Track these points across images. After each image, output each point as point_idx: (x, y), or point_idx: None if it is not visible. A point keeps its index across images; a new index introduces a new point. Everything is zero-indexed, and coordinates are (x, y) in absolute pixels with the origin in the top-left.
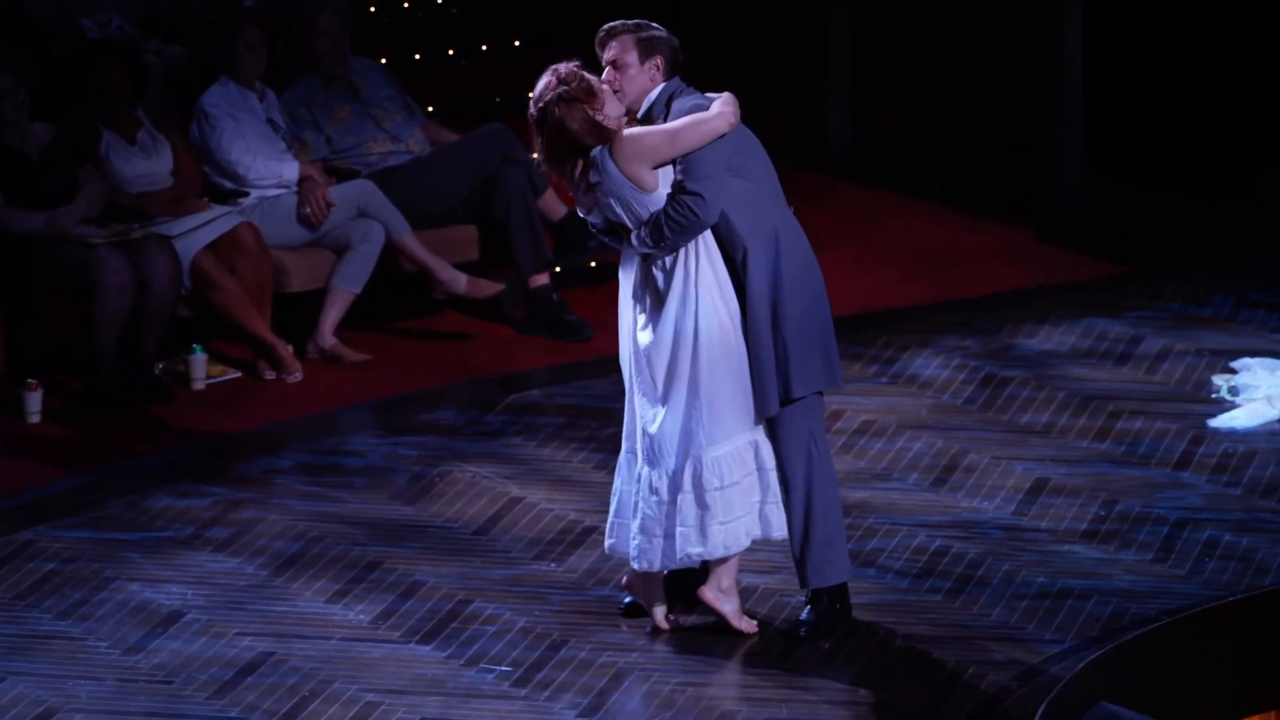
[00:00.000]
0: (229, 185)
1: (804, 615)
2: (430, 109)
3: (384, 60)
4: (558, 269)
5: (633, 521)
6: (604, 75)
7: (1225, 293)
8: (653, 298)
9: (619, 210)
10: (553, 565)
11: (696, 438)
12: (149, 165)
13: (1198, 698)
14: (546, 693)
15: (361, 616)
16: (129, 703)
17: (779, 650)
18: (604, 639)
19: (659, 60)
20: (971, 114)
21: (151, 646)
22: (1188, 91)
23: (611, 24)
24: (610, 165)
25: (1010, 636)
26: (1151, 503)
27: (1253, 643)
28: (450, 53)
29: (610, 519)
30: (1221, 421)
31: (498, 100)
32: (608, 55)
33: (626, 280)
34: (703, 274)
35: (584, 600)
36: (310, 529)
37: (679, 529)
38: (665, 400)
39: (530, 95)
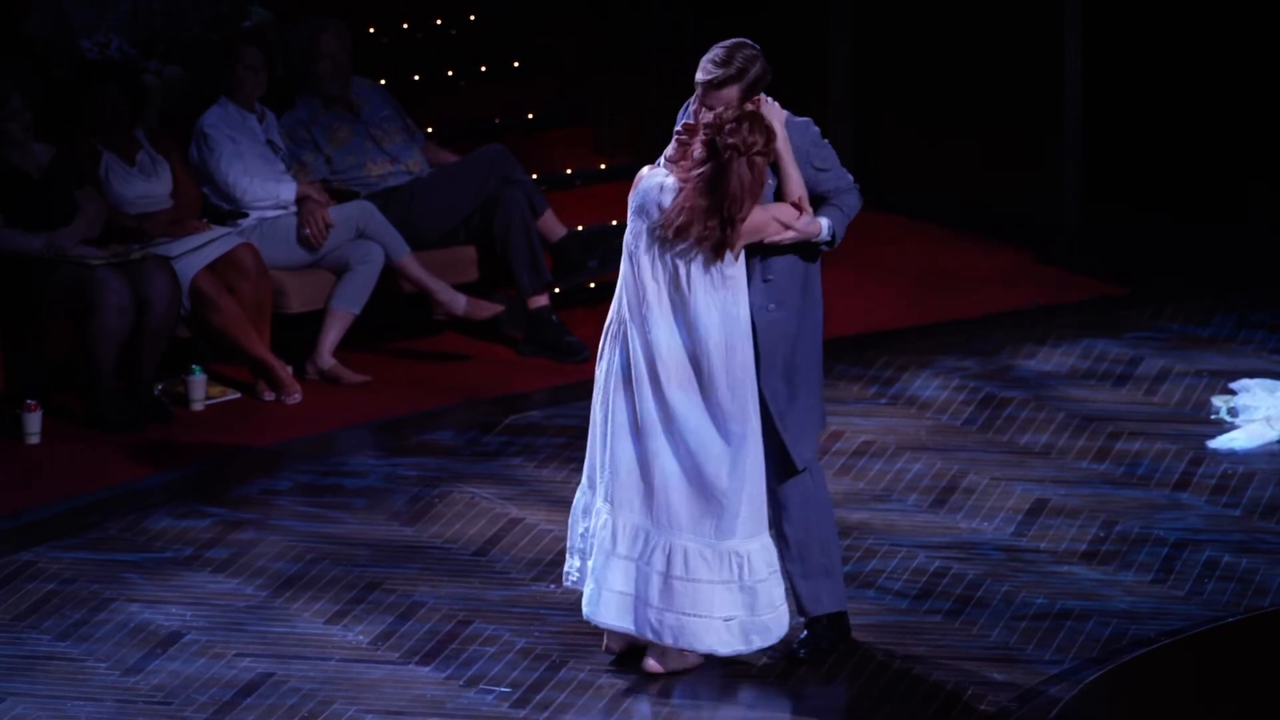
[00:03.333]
0: (227, 206)
1: (803, 635)
2: (429, 130)
3: (383, 81)
4: (557, 290)
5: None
6: (699, 110)
7: (1225, 313)
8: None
9: (724, 263)
10: (552, 586)
11: (764, 518)
12: (148, 186)
13: (1197, 719)
14: (546, 714)
15: (361, 637)
16: None
17: (779, 670)
18: (603, 660)
19: (756, 97)
20: (971, 135)
21: (151, 667)
22: (1188, 113)
23: (718, 75)
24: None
25: (1009, 657)
26: (1151, 524)
27: (1253, 664)
28: (449, 73)
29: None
30: (1221, 442)
31: (497, 121)
32: (714, 104)
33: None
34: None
35: (583, 621)
36: (309, 550)
37: (769, 614)
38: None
39: (741, 133)
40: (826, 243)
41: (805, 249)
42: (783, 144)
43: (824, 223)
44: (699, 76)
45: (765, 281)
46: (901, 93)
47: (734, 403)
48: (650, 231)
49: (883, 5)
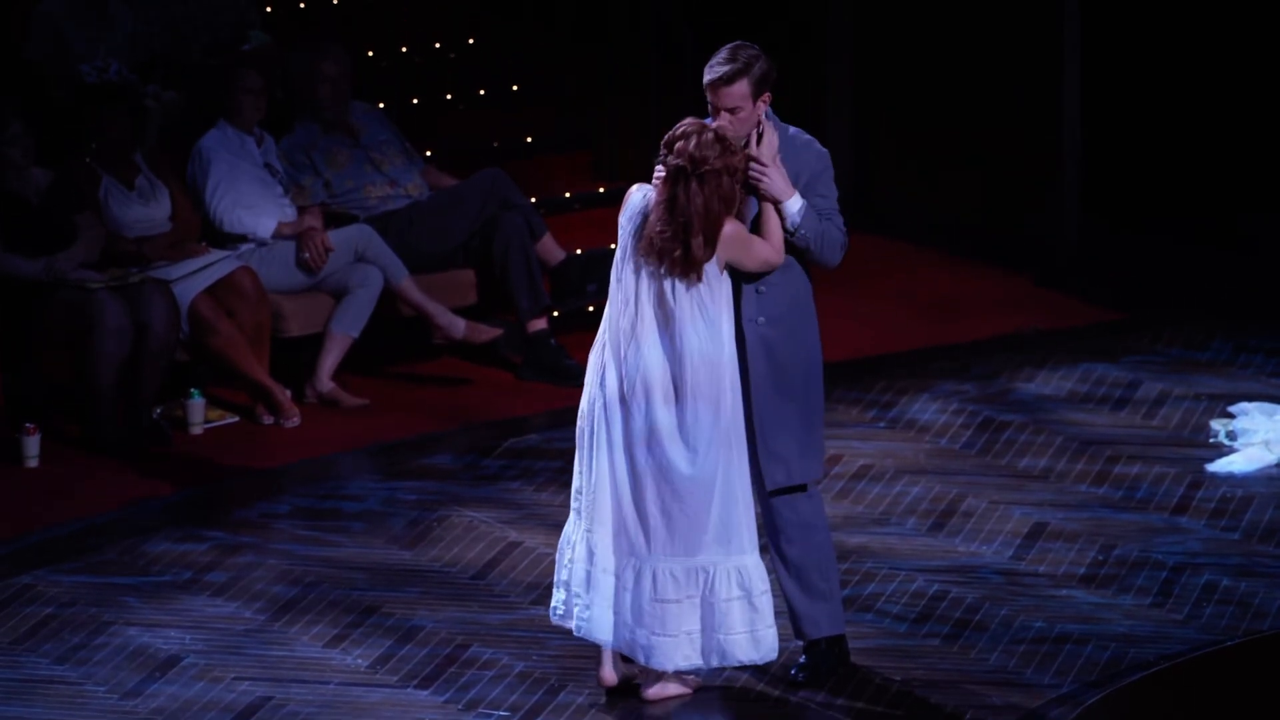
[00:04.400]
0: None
1: (802, 660)
2: (428, 153)
3: (382, 105)
4: (555, 314)
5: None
6: (720, 120)
7: (1223, 338)
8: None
9: (703, 283)
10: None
11: (742, 540)
12: (147, 210)
13: None
14: None
15: (360, 661)
16: None
17: (777, 694)
18: None
19: (766, 94)
20: (970, 160)
21: (149, 691)
22: (1186, 138)
23: (726, 70)
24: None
25: (1008, 681)
26: (1150, 547)
27: (1252, 688)
28: (448, 97)
29: (566, 596)
30: (1219, 466)
31: (496, 145)
32: (726, 104)
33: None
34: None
35: (582, 645)
36: (308, 573)
37: (724, 635)
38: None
39: (692, 150)
40: (790, 230)
41: (797, 276)
42: (768, 170)
43: (799, 203)
44: (706, 77)
45: (758, 294)
46: (901, 117)
47: (712, 419)
48: (634, 249)
49: (882, 30)
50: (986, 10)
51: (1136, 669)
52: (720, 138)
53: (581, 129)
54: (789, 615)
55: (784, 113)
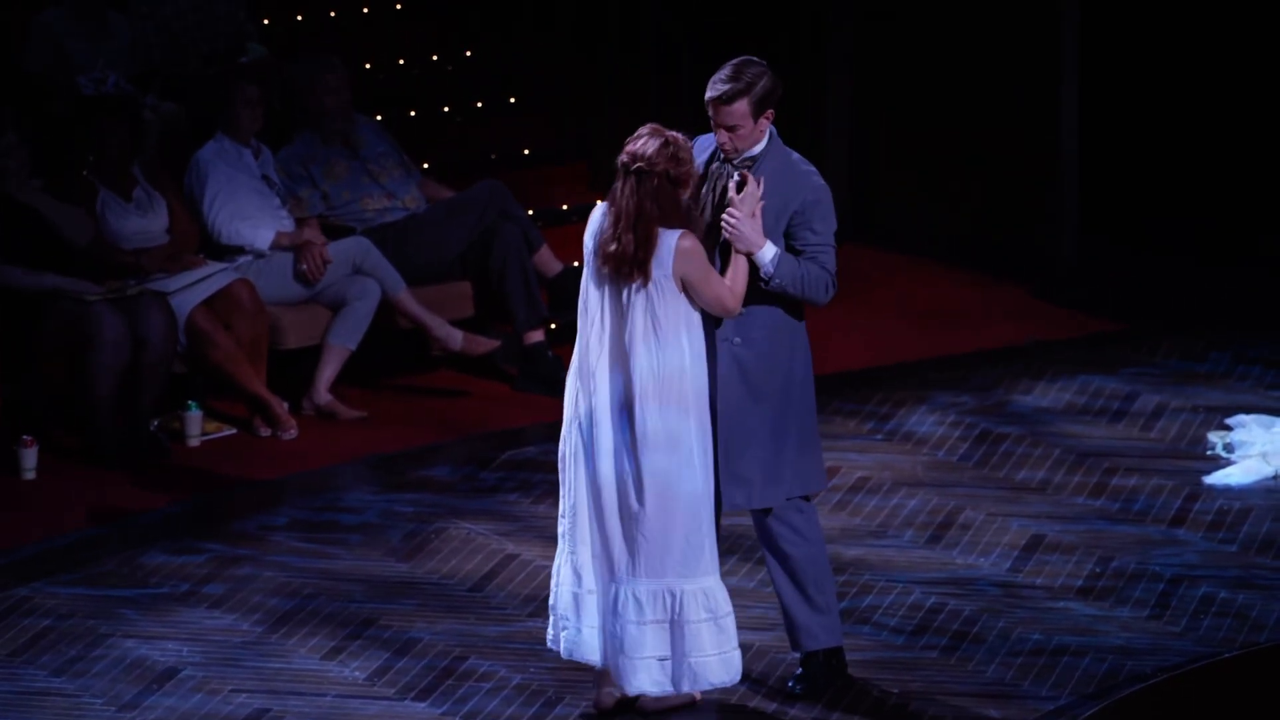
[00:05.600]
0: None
1: (799, 672)
2: (426, 165)
3: (380, 117)
4: (553, 325)
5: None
6: (720, 137)
7: (1221, 350)
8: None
9: (655, 294)
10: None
11: (705, 561)
12: (145, 222)
13: None
14: None
15: (357, 673)
16: None
17: (774, 707)
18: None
19: (769, 112)
20: (968, 172)
21: (147, 703)
22: (1185, 151)
23: (726, 89)
24: (667, 252)
25: (1006, 693)
26: (1147, 559)
27: (1249, 700)
28: (446, 109)
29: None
30: (1217, 478)
31: (493, 157)
32: (725, 122)
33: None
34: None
35: None
36: (305, 585)
37: (695, 658)
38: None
39: (636, 149)
40: (765, 278)
41: (784, 302)
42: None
43: (772, 252)
44: (707, 94)
45: (738, 315)
46: (900, 128)
47: (666, 435)
48: (594, 265)
49: (881, 41)
50: (986, 22)
51: (1134, 681)
52: (670, 143)
53: (579, 141)
54: (786, 627)
55: (784, 123)
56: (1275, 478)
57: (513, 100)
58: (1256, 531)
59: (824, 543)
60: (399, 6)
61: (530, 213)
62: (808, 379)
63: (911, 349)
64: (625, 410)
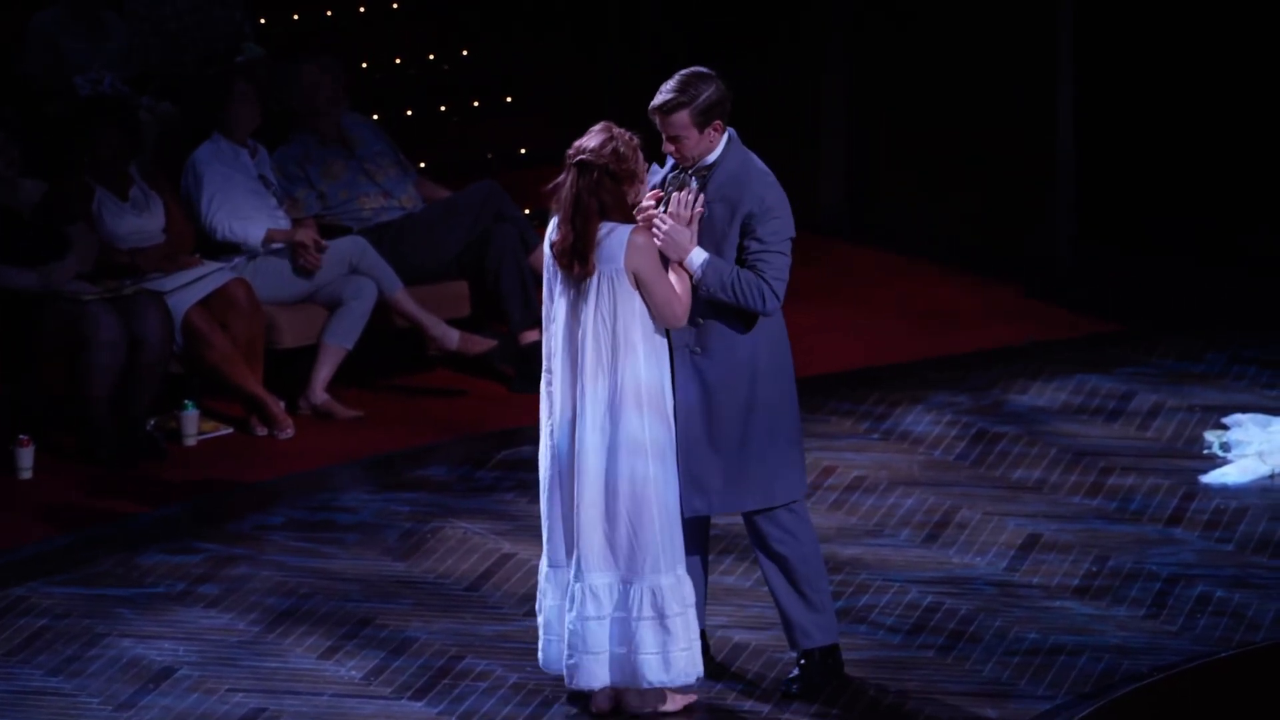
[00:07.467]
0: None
1: (796, 672)
2: (422, 165)
3: (376, 116)
4: None
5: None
6: (666, 146)
7: (1217, 349)
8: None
9: (607, 290)
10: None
11: (658, 559)
12: (141, 222)
13: None
14: None
15: (353, 673)
16: None
17: (771, 707)
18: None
19: (717, 122)
20: (965, 173)
21: (143, 703)
22: (1180, 151)
23: (666, 99)
24: (619, 246)
25: (1002, 693)
26: (1143, 559)
27: (1245, 699)
28: (442, 109)
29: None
30: (1213, 477)
31: (489, 157)
32: (668, 131)
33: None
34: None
35: None
36: (302, 585)
37: (636, 654)
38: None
39: (582, 142)
40: (695, 284)
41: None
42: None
43: (701, 258)
44: (651, 104)
45: (696, 324)
46: (897, 129)
47: (613, 432)
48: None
49: (878, 45)
50: (982, 24)
51: (1130, 681)
52: (615, 139)
53: (576, 141)
54: (782, 626)
55: (780, 125)
56: (1272, 477)
57: (509, 100)
58: (1253, 531)
59: (817, 541)
60: (396, 6)
61: (526, 213)
62: (780, 386)
63: (908, 349)
64: (576, 410)
